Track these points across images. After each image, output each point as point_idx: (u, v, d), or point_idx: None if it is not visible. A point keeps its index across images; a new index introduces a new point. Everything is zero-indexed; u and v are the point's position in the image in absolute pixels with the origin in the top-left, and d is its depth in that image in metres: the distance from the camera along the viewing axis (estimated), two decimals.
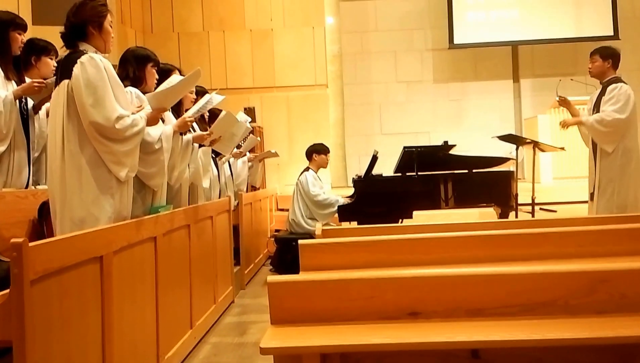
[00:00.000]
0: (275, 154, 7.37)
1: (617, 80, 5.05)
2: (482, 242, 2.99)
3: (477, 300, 2.14)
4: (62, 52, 2.98)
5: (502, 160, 6.02)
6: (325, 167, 6.63)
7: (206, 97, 4.05)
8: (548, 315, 2.08)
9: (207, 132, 4.22)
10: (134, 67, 3.56)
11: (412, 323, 2.19)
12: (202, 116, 4.77)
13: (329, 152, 6.63)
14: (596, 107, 5.12)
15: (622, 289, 2.07)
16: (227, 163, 6.00)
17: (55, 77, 3.76)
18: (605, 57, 5.07)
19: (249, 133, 5.83)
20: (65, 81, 2.79)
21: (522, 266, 2.43)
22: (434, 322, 2.17)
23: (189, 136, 3.89)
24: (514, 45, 11.13)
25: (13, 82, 3.75)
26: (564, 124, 5.29)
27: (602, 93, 5.08)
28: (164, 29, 10.52)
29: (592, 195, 5.14)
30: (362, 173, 6.16)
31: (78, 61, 2.77)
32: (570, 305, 2.07)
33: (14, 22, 3.74)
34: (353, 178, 6.25)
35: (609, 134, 4.92)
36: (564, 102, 5.40)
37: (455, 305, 2.17)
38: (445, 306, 2.18)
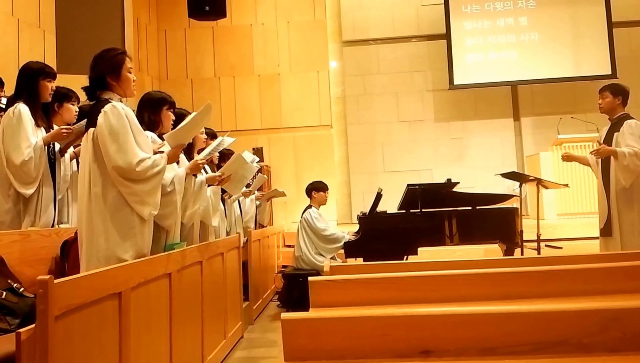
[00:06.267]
0: (283, 194, 7.37)
1: (628, 116, 5.04)
2: (490, 279, 2.96)
3: (489, 339, 2.11)
4: (88, 101, 3.07)
5: (505, 197, 6.00)
6: (324, 204, 6.62)
7: (218, 139, 4.14)
8: (561, 354, 2.03)
9: (219, 173, 4.25)
10: (150, 112, 3.66)
11: (425, 362, 2.16)
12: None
13: (327, 189, 6.64)
14: (607, 143, 5.07)
15: (635, 327, 2.05)
16: (236, 202, 6.02)
17: (77, 121, 3.89)
18: (616, 93, 5.07)
19: (257, 172, 5.85)
20: (91, 129, 2.92)
21: (533, 305, 2.40)
22: (446, 360, 2.13)
23: (202, 178, 3.93)
24: (514, 85, 11.21)
25: (42, 128, 3.87)
26: (597, 154, 5.10)
27: (615, 129, 5.03)
28: (178, 75, 10.89)
29: (604, 231, 5.06)
30: (366, 210, 6.14)
31: (102, 110, 2.88)
32: (583, 343, 2.03)
33: (43, 71, 3.87)
34: (358, 215, 6.24)
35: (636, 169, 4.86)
36: (569, 158, 5.40)
37: (467, 343, 2.13)
38: (457, 345, 2.14)
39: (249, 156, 5.33)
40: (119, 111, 2.88)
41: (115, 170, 2.83)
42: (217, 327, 4.24)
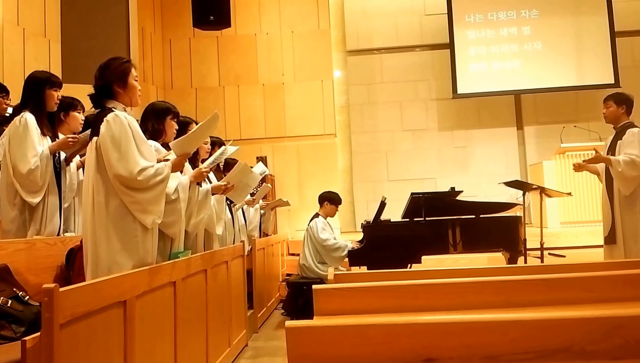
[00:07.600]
0: (287, 203, 7.37)
1: (632, 125, 5.05)
2: (494, 287, 2.96)
3: (493, 346, 2.10)
4: (93, 111, 3.08)
5: (509, 206, 5.99)
6: (332, 216, 6.60)
7: (221, 148, 4.16)
8: (564, 361, 2.02)
9: (224, 182, 4.26)
10: (153, 121, 3.66)
11: None
12: (217, 164, 4.84)
13: (340, 203, 6.63)
14: (611, 151, 5.09)
15: (637, 334, 2.03)
16: (240, 210, 6.03)
17: (82, 131, 3.92)
18: (620, 102, 5.09)
19: (262, 182, 5.86)
20: (95, 138, 2.92)
21: (536, 312, 2.40)
22: None
23: (207, 187, 3.93)
24: (517, 94, 11.21)
25: (48, 137, 3.89)
26: (596, 160, 5.12)
27: (619, 137, 5.05)
28: (183, 85, 10.94)
29: (609, 239, 5.05)
30: (370, 218, 6.15)
31: (104, 119, 2.88)
32: (587, 350, 2.03)
33: (49, 81, 3.89)
34: (362, 224, 6.23)
35: (635, 177, 4.85)
36: (581, 168, 5.33)
37: (471, 351, 2.12)
38: (461, 352, 2.13)
39: (261, 167, 5.36)
40: (121, 120, 2.88)
41: (116, 178, 2.82)
42: (221, 335, 4.24)
